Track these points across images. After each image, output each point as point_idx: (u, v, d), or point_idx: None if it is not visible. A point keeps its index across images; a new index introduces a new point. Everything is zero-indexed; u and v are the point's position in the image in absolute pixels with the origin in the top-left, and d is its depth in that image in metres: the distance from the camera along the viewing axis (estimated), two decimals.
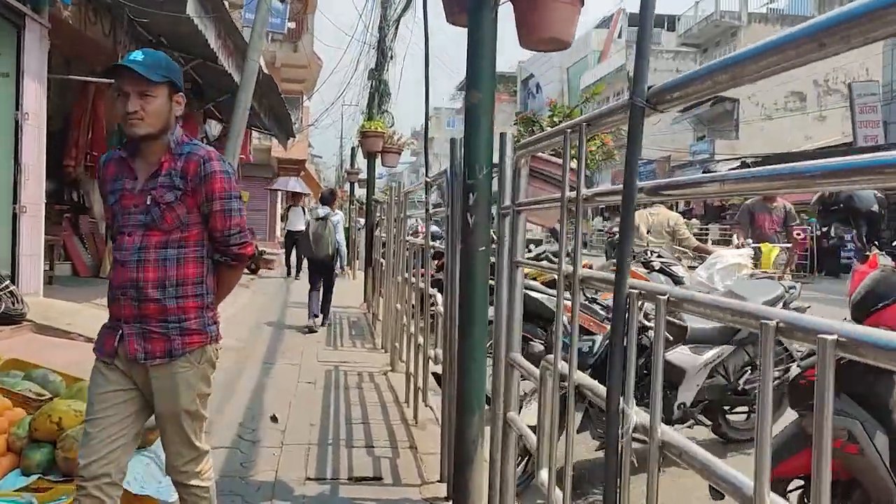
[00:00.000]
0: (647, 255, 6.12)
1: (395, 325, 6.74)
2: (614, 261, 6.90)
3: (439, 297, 4.79)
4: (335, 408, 5.43)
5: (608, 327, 4.17)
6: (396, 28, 12.64)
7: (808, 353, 3.24)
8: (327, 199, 9.90)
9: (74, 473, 2.44)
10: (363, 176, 16.58)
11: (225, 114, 13.25)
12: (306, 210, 15.66)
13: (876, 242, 3.87)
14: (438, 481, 3.96)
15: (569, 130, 2.12)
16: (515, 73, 54.32)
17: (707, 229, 25.38)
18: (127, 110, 2.35)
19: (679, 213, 10.24)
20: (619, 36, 42.31)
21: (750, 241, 8.04)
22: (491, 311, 3.15)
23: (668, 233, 8.10)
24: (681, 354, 4.36)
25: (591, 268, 5.43)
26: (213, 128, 14.05)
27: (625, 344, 1.71)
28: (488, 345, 3.37)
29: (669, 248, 7.46)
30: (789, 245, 8.39)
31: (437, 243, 5.66)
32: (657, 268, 5.93)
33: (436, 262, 7.10)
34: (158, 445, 2.92)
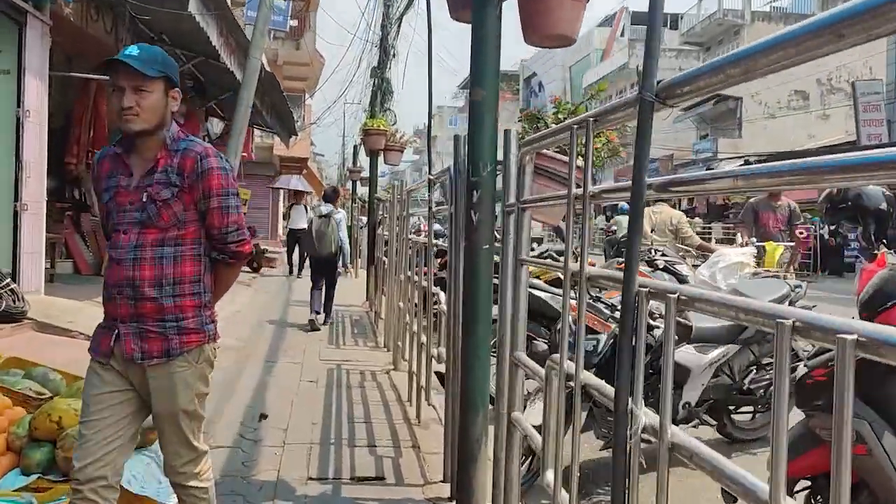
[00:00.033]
0: (651, 253, 6.09)
1: (398, 324, 6.71)
2: (616, 260, 6.88)
3: (442, 296, 4.76)
4: (337, 407, 5.40)
5: (613, 326, 4.15)
6: (399, 26, 12.62)
7: (815, 353, 3.20)
8: (330, 196, 9.90)
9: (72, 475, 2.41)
10: (365, 174, 16.57)
11: (227, 112, 13.22)
12: (308, 208, 15.65)
13: (884, 241, 3.84)
14: (441, 481, 3.93)
15: (575, 126, 2.09)
16: (518, 71, 54.28)
17: (710, 228, 25.32)
18: (122, 105, 2.31)
19: (682, 211, 10.20)
20: (622, 34, 42.24)
21: (754, 239, 8.01)
22: (494, 309, 3.12)
23: (672, 231, 8.07)
24: (685, 354, 4.33)
25: (593, 266, 5.39)
26: (215, 126, 14.04)
27: (633, 343, 1.67)
28: (492, 342, 3.34)
29: (673, 247, 7.42)
30: (793, 244, 8.36)
31: (439, 241, 5.63)
32: (661, 266, 5.90)
33: (438, 260, 7.07)
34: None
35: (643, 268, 5.60)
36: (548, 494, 2.35)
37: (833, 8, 1.14)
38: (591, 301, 4.39)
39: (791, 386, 4.71)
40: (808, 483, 3.18)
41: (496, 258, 3.17)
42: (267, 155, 25.18)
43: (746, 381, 4.66)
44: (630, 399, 1.63)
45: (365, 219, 16.31)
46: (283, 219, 25.57)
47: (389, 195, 9.49)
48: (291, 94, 20.12)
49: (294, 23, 23.53)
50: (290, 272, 16.36)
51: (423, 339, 5.16)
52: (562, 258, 6.42)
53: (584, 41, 41.54)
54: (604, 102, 2.82)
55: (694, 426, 4.49)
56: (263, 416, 4.95)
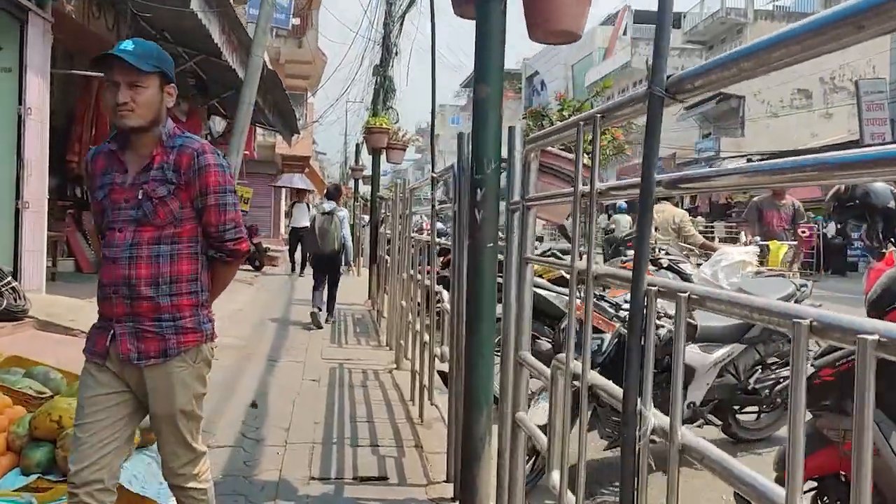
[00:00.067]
0: (654, 252, 6.06)
1: (401, 323, 6.69)
2: (620, 258, 6.84)
3: (445, 295, 4.74)
4: (339, 406, 5.38)
5: (617, 325, 4.12)
6: (401, 24, 12.58)
7: (822, 352, 3.17)
8: (333, 194, 9.89)
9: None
10: (367, 173, 16.54)
11: (229, 110, 13.20)
12: (311, 206, 15.63)
13: (892, 240, 3.77)
14: (445, 481, 3.90)
15: (582, 123, 2.06)
16: (520, 70, 54.18)
17: (712, 227, 25.27)
18: (116, 101, 2.27)
19: (684, 210, 10.16)
20: (625, 33, 42.14)
21: (758, 238, 7.97)
22: (498, 308, 3.09)
23: (675, 230, 8.04)
24: (690, 353, 4.29)
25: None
26: (218, 124, 14.02)
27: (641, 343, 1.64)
28: (496, 341, 3.31)
29: (677, 246, 7.39)
30: (796, 242, 8.33)
31: (442, 240, 5.61)
32: (665, 265, 5.86)
33: (441, 258, 7.04)
34: None
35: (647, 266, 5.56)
36: (552, 494, 2.32)
37: (836, 6, 1.11)
38: (595, 300, 4.36)
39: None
40: (815, 484, 3.15)
41: (500, 257, 3.15)
42: (269, 153, 25.15)
43: (751, 380, 4.62)
44: (639, 400, 1.60)
45: (367, 217, 16.29)
46: (286, 217, 25.57)
47: (392, 193, 9.47)
48: (294, 93, 20.09)
49: (296, 21, 23.47)
50: (293, 270, 16.34)
51: (426, 337, 5.13)
52: (565, 257, 6.39)
53: (586, 40, 41.42)
54: (606, 101, 2.80)
55: (698, 426, 4.46)
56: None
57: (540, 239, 15.56)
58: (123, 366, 2.37)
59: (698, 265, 7.48)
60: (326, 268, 9.46)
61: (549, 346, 5.06)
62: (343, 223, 9.47)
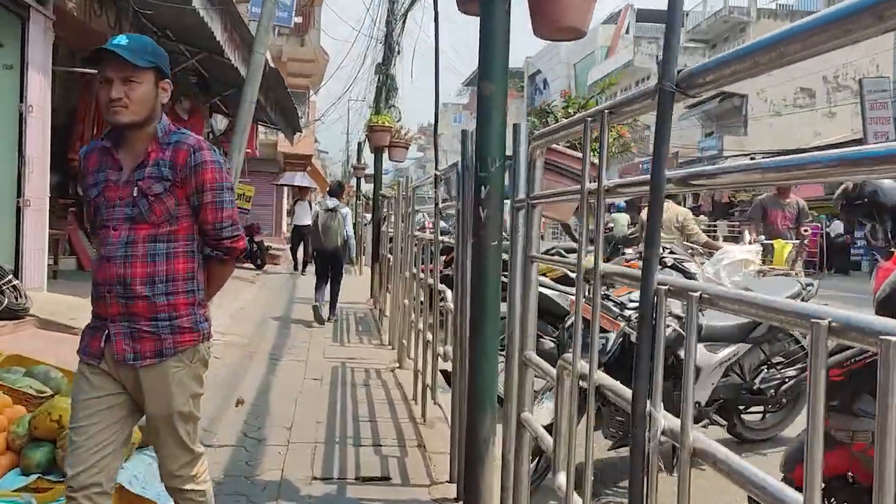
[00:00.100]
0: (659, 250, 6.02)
1: (403, 322, 6.66)
2: (624, 257, 6.83)
3: (449, 293, 4.70)
4: (342, 405, 5.35)
5: (622, 324, 4.08)
6: (404, 22, 12.56)
7: (831, 352, 3.14)
8: (336, 191, 9.94)
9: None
10: (370, 171, 16.51)
11: (231, 108, 13.16)
12: (313, 203, 15.60)
13: None
14: (448, 482, 3.87)
15: (589, 119, 2.03)
16: (522, 68, 54.12)
17: (715, 226, 25.22)
18: (110, 97, 2.23)
19: (687, 208, 10.12)
20: (627, 32, 42.07)
21: (762, 237, 7.93)
22: (503, 307, 3.06)
23: (678, 228, 8.00)
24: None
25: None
26: (220, 122, 13.98)
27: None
28: (500, 338, 3.28)
29: (681, 244, 7.35)
30: (801, 241, 8.28)
31: (444, 238, 5.57)
32: (669, 264, 5.82)
33: (443, 257, 7.01)
34: None
35: None
36: (556, 494, 2.29)
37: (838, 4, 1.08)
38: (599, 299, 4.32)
39: (801, 386, 4.62)
40: (822, 485, 3.12)
41: (504, 255, 3.12)
42: (271, 152, 25.14)
43: (757, 380, 4.59)
44: (648, 401, 1.57)
45: (369, 216, 16.26)
46: (288, 215, 25.54)
47: (394, 192, 9.45)
48: (295, 91, 20.07)
49: (298, 19, 23.43)
50: (295, 269, 16.31)
51: (429, 336, 5.10)
52: (569, 255, 6.36)
53: (588, 38, 41.34)
54: (609, 98, 2.76)
55: (703, 426, 4.42)
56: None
57: (541, 237, 15.53)
58: (118, 366, 2.33)
59: (702, 264, 7.44)
60: (329, 264, 9.47)
61: (553, 344, 5.03)
62: (346, 220, 9.49)
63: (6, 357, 3.91)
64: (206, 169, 2.34)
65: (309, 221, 12.84)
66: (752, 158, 24.60)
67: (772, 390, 4.61)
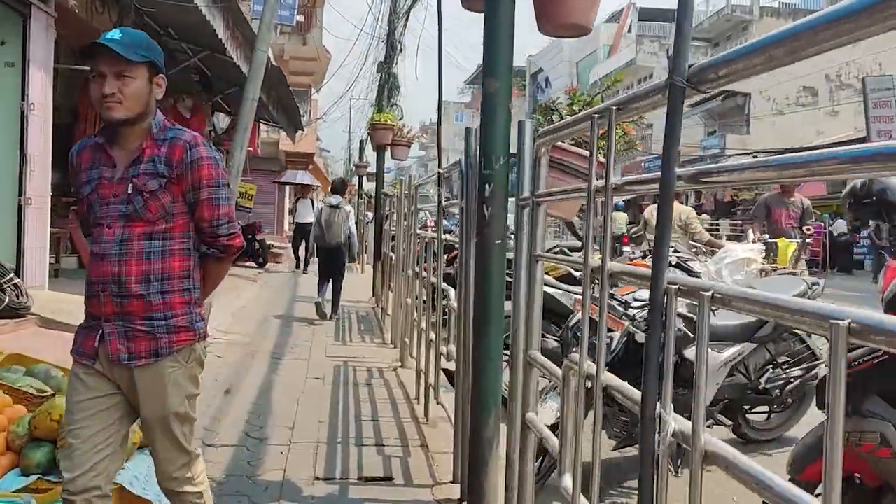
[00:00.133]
0: None
1: (405, 321, 6.63)
2: (627, 256, 6.77)
3: (452, 292, 4.67)
4: (344, 405, 5.32)
5: (626, 324, 4.05)
6: (406, 20, 12.52)
7: None
8: (339, 188, 10.00)
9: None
10: (372, 169, 16.48)
11: (233, 106, 13.13)
12: (315, 201, 15.60)
13: None
14: (451, 482, 3.84)
15: (596, 116, 1.99)
16: (525, 67, 54.05)
17: (717, 224, 25.19)
18: (103, 92, 2.18)
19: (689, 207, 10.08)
20: (629, 30, 42.00)
21: (766, 236, 7.90)
22: (507, 306, 3.03)
23: (681, 227, 7.97)
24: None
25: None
26: (222, 120, 13.96)
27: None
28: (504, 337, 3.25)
29: (685, 243, 7.32)
30: (803, 240, 8.26)
31: (447, 237, 5.54)
32: (673, 263, 5.79)
33: (446, 255, 6.98)
34: None
35: None
36: (560, 495, 2.26)
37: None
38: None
39: (806, 386, 4.57)
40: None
41: (508, 254, 3.08)
42: (273, 150, 25.11)
43: (762, 380, 4.56)
44: (658, 403, 1.54)
45: (371, 214, 16.23)
46: (290, 213, 25.52)
47: (397, 190, 9.43)
48: (298, 90, 20.03)
49: (301, 18, 23.40)
50: (297, 267, 16.28)
51: (432, 336, 5.07)
52: (572, 254, 6.31)
53: (590, 37, 41.24)
54: (613, 96, 2.73)
55: (708, 426, 4.39)
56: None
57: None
58: (113, 367, 2.29)
59: (704, 263, 7.40)
60: (331, 260, 9.47)
61: (556, 344, 5.00)
62: (349, 217, 9.52)
63: (7, 356, 3.88)
64: (203, 165, 2.30)
65: (311, 219, 12.85)
66: (754, 157, 24.54)
67: (777, 390, 4.57)
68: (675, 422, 1.53)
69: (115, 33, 2.22)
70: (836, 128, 29.44)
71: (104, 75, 2.19)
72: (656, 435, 1.52)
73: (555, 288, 5.57)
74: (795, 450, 3.08)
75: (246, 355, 6.84)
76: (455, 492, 3.69)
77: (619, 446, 4.18)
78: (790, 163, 1.36)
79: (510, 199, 3.04)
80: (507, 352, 3.04)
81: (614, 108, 1.88)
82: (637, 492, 3.82)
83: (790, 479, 2.92)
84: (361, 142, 19.90)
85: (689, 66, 1.52)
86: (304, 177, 20.09)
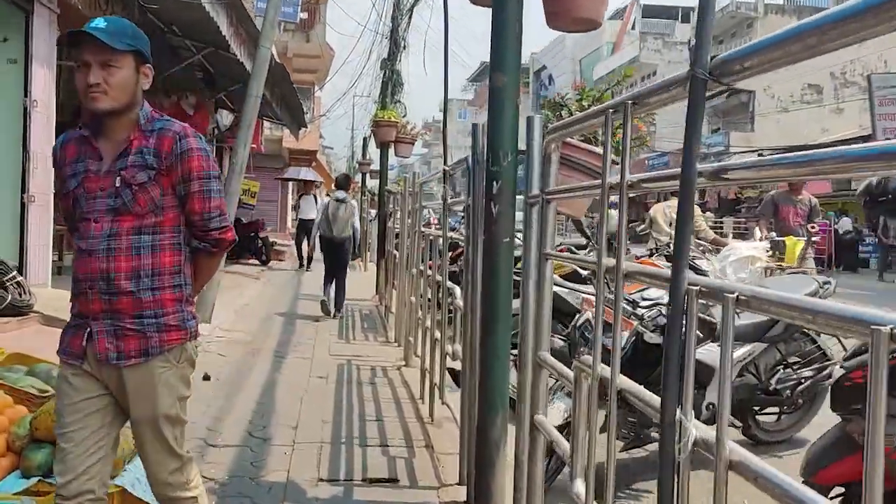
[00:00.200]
0: (670, 248, 5.93)
1: (409, 319, 6.57)
2: (634, 255, 6.70)
3: (457, 291, 4.61)
4: (348, 404, 5.27)
5: (634, 323, 3.99)
6: (410, 17, 12.47)
7: (853, 353, 3.05)
8: (343, 183, 10.12)
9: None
10: (375, 167, 16.43)
11: (237, 104, 13.09)
12: (318, 198, 15.57)
13: None
14: (457, 484, 3.78)
15: (611, 111, 1.93)
16: (528, 64, 53.96)
17: (721, 222, 25.11)
18: (88, 82, 2.11)
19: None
20: (633, 27, 41.94)
21: (773, 234, 7.83)
22: (515, 304, 2.97)
23: None
24: (709, 352, 4.16)
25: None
26: (225, 117, 13.90)
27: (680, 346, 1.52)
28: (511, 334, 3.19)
29: (693, 242, 7.25)
30: (808, 238, 8.18)
31: (452, 234, 5.49)
32: None
33: (451, 253, 6.93)
34: None
35: (662, 262, 5.45)
36: (567, 494, 2.21)
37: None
38: (611, 296, 4.23)
39: (817, 387, 4.51)
40: (843, 490, 3.03)
41: (516, 252, 3.03)
42: (276, 147, 25.08)
43: (772, 380, 4.49)
44: (679, 409, 1.48)
45: (374, 212, 16.16)
46: (293, 210, 25.45)
47: (400, 188, 9.38)
48: (301, 87, 19.97)
49: (304, 15, 23.36)
50: (300, 266, 16.22)
51: (436, 334, 5.01)
52: (579, 252, 6.24)
53: (594, 34, 41.22)
54: (621, 92, 2.68)
55: None
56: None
57: None
58: (101, 366, 2.21)
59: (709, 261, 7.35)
60: (336, 254, 9.46)
61: (563, 343, 4.94)
62: (355, 211, 9.57)
63: (8, 355, 3.83)
64: (193, 157, 2.23)
65: (314, 216, 12.86)
66: (760, 155, 24.46)
67: (788, 391, 4.51)
68: (697, 429, 1.47)
69: (100, 21, 2.14)
70: (841, 125, 29.33)
71: (89, 65, 2.12)
72: (677, 443, 1.46)
73: (560, 286, 5.51)
74: (809, 452, 3.02)
75: (248, 353, 6.79)
76: (461, 494, 3.63)
77: (628, 447, 4.12)
78: (814, 159, 1.31)
79: (518, 197, 2.99)
80: (513, 351, 2.99)
81: (630, 102, 1.83)
82: (645, 494, 3.76)
83: (803, 482, 2.87)
84: (365, 139, 19.83)
85: (711, 58, 1.46)
86: (307, 173, 20.05)
